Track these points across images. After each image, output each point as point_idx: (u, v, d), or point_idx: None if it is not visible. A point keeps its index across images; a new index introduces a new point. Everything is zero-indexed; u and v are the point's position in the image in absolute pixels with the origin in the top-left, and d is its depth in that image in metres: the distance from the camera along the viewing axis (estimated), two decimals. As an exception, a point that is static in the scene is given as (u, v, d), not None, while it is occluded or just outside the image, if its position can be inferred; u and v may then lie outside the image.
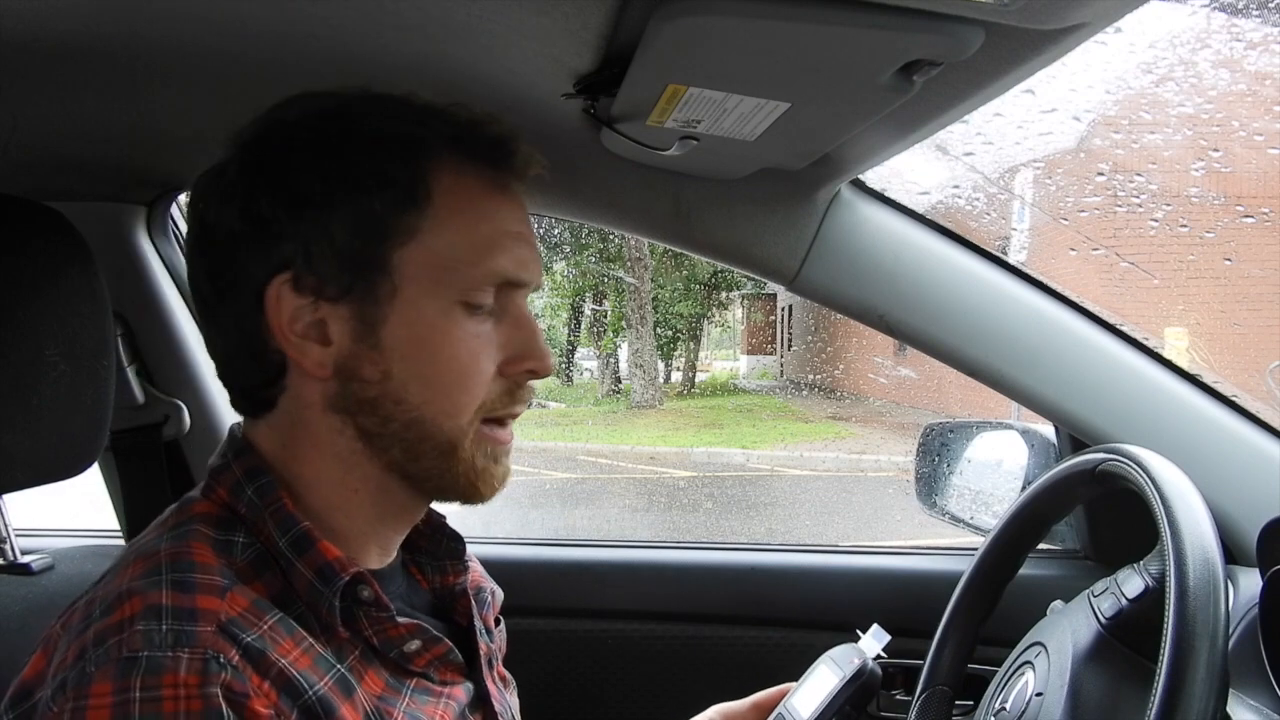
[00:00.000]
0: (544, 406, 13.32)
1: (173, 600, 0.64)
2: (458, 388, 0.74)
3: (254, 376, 0.76)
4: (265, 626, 0.66)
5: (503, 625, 0.94)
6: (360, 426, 0.74)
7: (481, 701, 0.83)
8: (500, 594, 0.95)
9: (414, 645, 0.76)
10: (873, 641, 1.07)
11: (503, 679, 0.91)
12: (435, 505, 0.85)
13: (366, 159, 0.73)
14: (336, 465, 0.75)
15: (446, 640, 0.79)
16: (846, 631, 1.11)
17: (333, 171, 0.72)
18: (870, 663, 1.04)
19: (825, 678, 1.04)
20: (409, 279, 0.73)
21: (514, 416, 0.80)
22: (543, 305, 13.49)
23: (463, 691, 0.81)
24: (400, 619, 0.75)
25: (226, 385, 0.80)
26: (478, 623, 0.86)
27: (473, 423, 0.75)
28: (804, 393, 13.53)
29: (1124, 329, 1.20)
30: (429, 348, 0.74)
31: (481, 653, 0.85)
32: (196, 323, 0.83)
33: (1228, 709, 0.74)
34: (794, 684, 1.08)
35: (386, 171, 0.73)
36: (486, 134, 0.77)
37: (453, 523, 0.89)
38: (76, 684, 0.60)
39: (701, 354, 16.09)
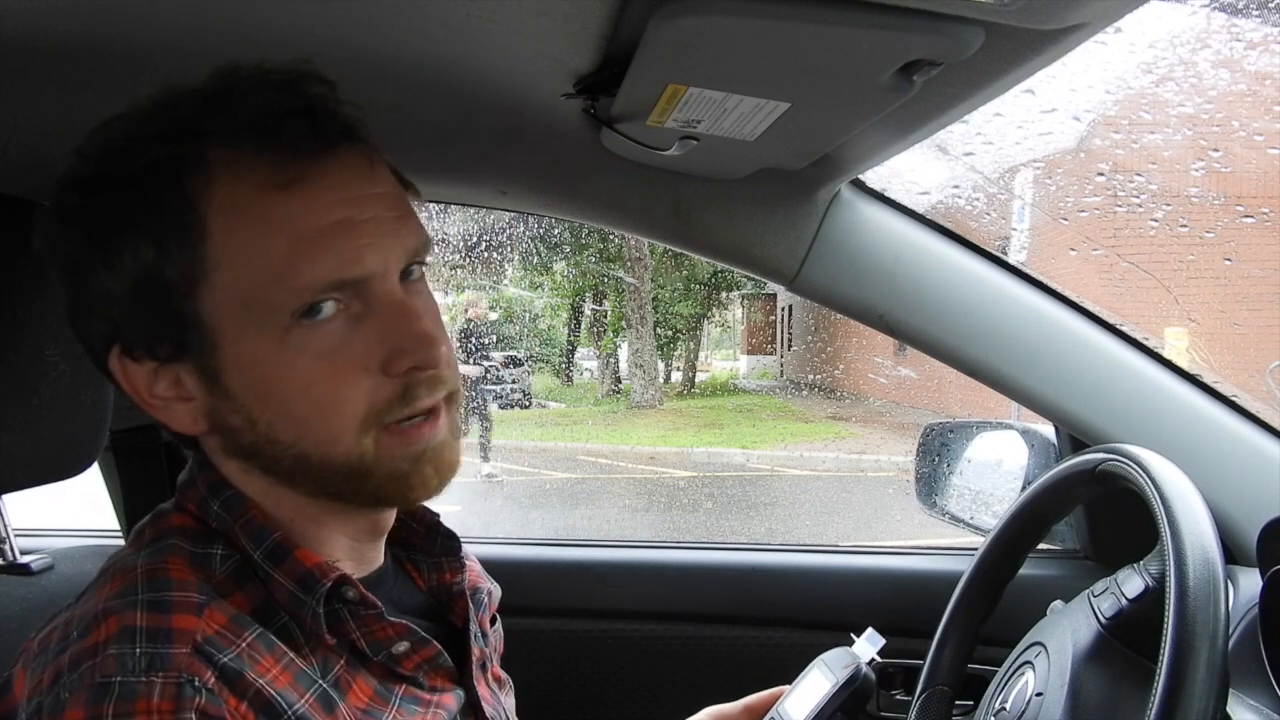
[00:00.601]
0: (544, 406, 13.33)
1: (148, 621, 0.63)
2: (320, 416, 0.67)
3: (169, 431, 0.73)
4: (244, 644, 0.65)
5: (499, 623, 0.93)
6: (260, 467, 0.71)
7: (473, 708, 0.81)
8: (498, 592, 0.93)
9: (402, 647, 0.74)
10: (867, 645, 1.06)
11: (498, 680, 0.90)
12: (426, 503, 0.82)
13: (121, 205, 0.65)
14: (270, 499, 0.72)
15: (435, 643, 0.77)
16: (846, 632, 1.11)
17: (94, 233, 0.66)
18: (864, 667, 1.04)
19: (818, 682, 1.04)
20: (221, 321, 0.66)
21: (423, 412, 0.70)
22: (543, 305, 13.50)
23: (453, 699, 0.79)
24: (389, 618, 0.73)
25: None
26: (473, 625, 0.85)
27: (365, 437, 0.68)
28: (804, 393, 13.53)
29: (1124, 329, 1.20)
30: (276, 385, 0.67)
31: (475, 657, 0.83)
32: None
33: (1228, 709, 0.74)
34: (787, 687, 1.07)
35: (138, 216, 0.64)
36: (265, 126, 0.64)
37: (451, 523, 0.88)
38: (52, 710, 0.60)
39: (701, 354, 16.09)
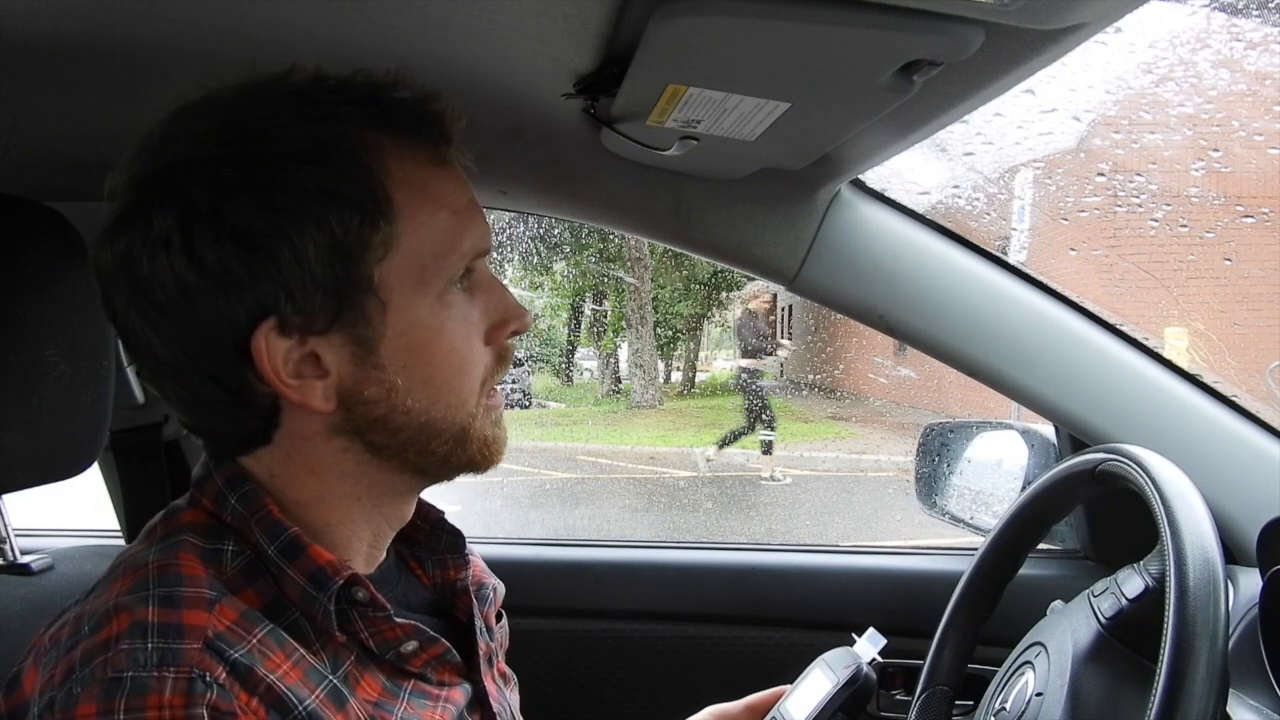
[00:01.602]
0: (544, 406, 13.33)
1: (159, 617, 0.63)
2: (460, 378, 0.73)
3: (242, 425, 0.72)
4: (254, 640, 0.65)
5: (505, 620, 0.94)
6: (368, 443, 0.73)
7: (480, 702, 0.82)
8: (502, 588, 0.94)
9: (410, 646, 0.75)
10: (868, 645, 1.07)
11: (503, 676, 0.90)
12: (429, 491, 0.83)
13: (310, 178, 0.67)
14: (340, 482, 0.74)
15: (443, 640, 0.78)
16: (847, 632, 1.11)
17: (279, 202, 0.66)
18: (865, 667, 1.04)
19: (819, 682, 1.04)
20: (395, 289, 0.70)
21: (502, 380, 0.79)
22: (543, 305, 13.49)
23: (460, 693, 0.80)
24: (397, 619, 0.74)
25: (204, 437, 0.75)
26: (478, 621, 0.86)
27: (479, 402, 0.75)
28: (804, 393, 13.52)
29: (1124, 329, 1.20)
30: (428, 350, 0.72)
31: (481, 651, 0.84)
32: (148, 384, 0.76)
33: (1228, 709, 0.74)
34: (788, 687, 1.08)
35: (338, 186, 0.68)
36: (417, 112, 0.72)
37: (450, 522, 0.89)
38: (64, 704, 0.60)
39: (701, 354, 16.09)
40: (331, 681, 0.68)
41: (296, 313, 0.67)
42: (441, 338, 0.72)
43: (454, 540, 0.87)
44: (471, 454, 0.75)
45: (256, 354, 0.67)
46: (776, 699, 1.07)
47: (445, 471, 0.76)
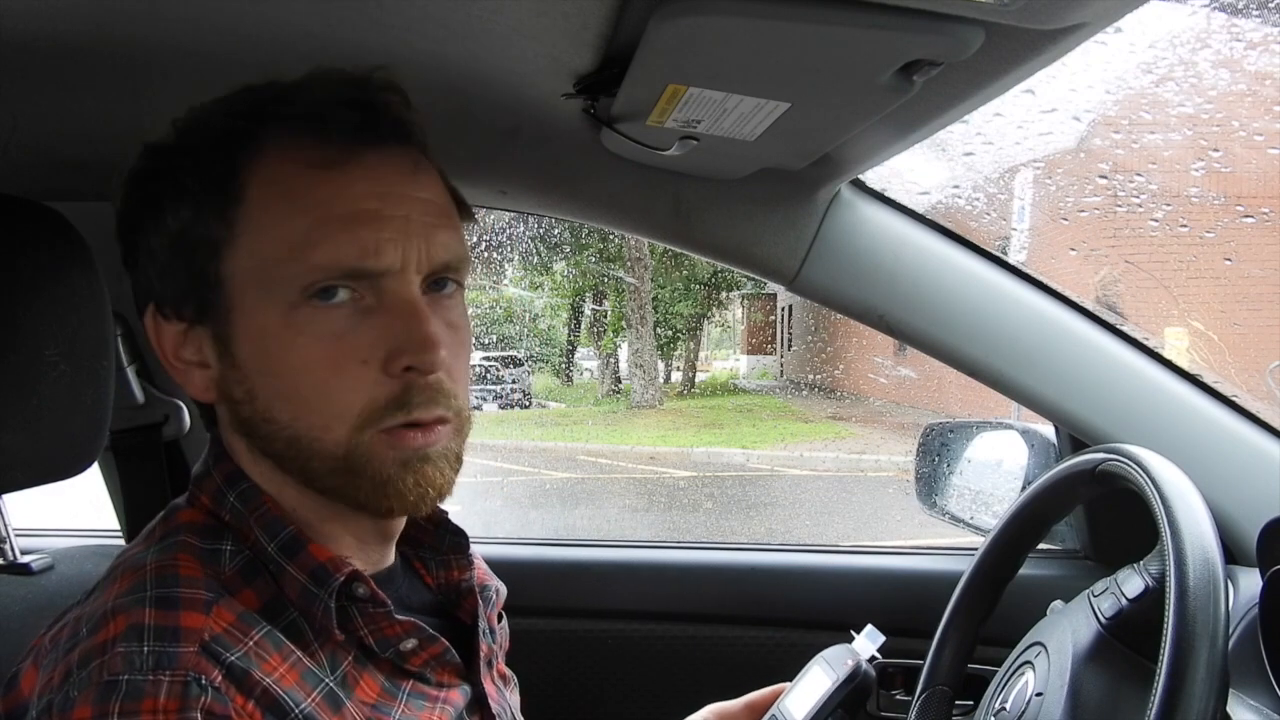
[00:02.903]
0: (544, 406, 13.32)
1: (155, 619, 0.63)
2: (316, 399, 0.68)
3: (197, 401, 0.76)
4: (251, 643, 0.65)
5: (505, 621, 0.94)
6: (259, 446, 0.72)
7: (479, 704, 0.82)
8: (504, 590, 0.94)
9: (410, 644, 0.74)
10: (867, 642, 1.07)
11: (503, 677, 0.90)
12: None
13: (178, 170, 0.70)
14: (274, 483, 0.73)
15: (443, 640, 0.77)
16: (847, 631, 1.11)
17: (148, 194, 0.72)
18: (864, 664, 1.04)
19: (819, 679, 1.04)
20: (239, 288, 0.68)
21: (426, 422, 0.69)
22: (543, 305, 13.49)
23: (459, 695, 0.79)
24: (397, 616, 0.73)
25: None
26: (482, 622, 0.85)
27: (358, 433, 0.68)
28: (804, 393, 13.52)
29: (1124, 329, 1.20)
30: (278, 359, 0.68)
31: (482, 653, 0.84)
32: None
33: (1228, 709, 0.74)
34: (788, 684, 1.08)
35: (188, 180, 0.69)
36: (317, 110, 0.68)
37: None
38: (61, 708, 0.60)
39: (701, 354, 16.09)
40: (328, 685, 0.68)
41: (167, 300, 0.72)
42: (292, 351, 0.68)
43: (458, 540, 0.87)
44: (359, 492, 0.70)
45: (148, 331, 0.73)
46: (776, 697, 1.07)
47: (347, 502, 0.71)
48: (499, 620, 0.92)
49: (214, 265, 0.69)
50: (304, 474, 0.71)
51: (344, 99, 0.69)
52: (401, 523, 0.80)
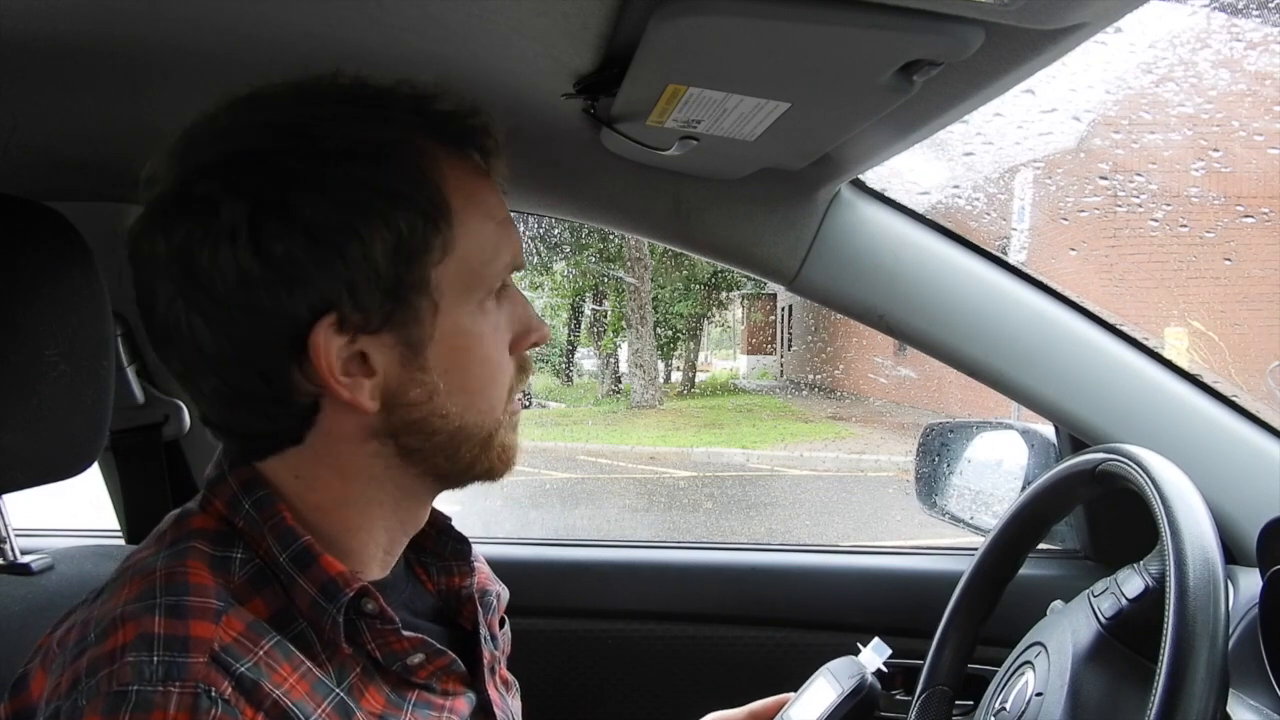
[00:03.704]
0: (544, 406, 13.32)
1: (165, 628, 0.63)
2: (492, 386, 0.75)
3: (278, 423, 0.71)
4: (261, 652, 0.65)
5: (507, 625, 0.93)
6: (401, 446, 0.73)
7: (484, 711, 0.82)
8: (506, 594, 0.94)
9: (417, 659, 0.74)
10: (873, 655, 1.06)
11: (505, 683, 0.90)
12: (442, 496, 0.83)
13: (375, 177, 0.68)
14: (366, 486, 0.73)
15: (450, 653, 0.77)
16: (847, 632, 1.11)
17: (347, 199, 0.67)
18: (870, 677, 1.03)
19: (824, 691, 1.03)
20: (445, 293, 0.71)
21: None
22: (543, 305, 13.49)
23: (464, 703, 0.79)
24: (405, 633, 0.73)
25: (232, 435, 0.73)
26: (483, 629, 0.85)
27: (505, 409, 0.76)
28: (804, 393, 13.53)
29: (1124, 329, 1.20)
30: (468, 356, 0.73)
31: (485, 660, 0.83)
32: (176, 376, 0.73)
33: (1228, 709, 0.74)
34: (792, 695, 1.07)
35: (402, 186, 0.69)
36: (469, 126, 0.74)
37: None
38: (69, 716, 0.60)
39: (701, 354, 16.09)
40: (338, 694, 0.68)
41: (356, 310, 0.67)
42: (480, 344, 0.74)
43: (460, 547, 0.87)
44: (492, 460, 0.76)
45: (314, 349, 0.67)
46: (779, 707, 1.06)
47: (466, 478, 0.77)
48: (501, 626, 0.91)
49: (427, 271, 0.70)
50: (447, 461, 0.74)
51: (466, 113, 0.74)
52: (425, 517, 0.82)
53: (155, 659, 0.61)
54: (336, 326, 0.67)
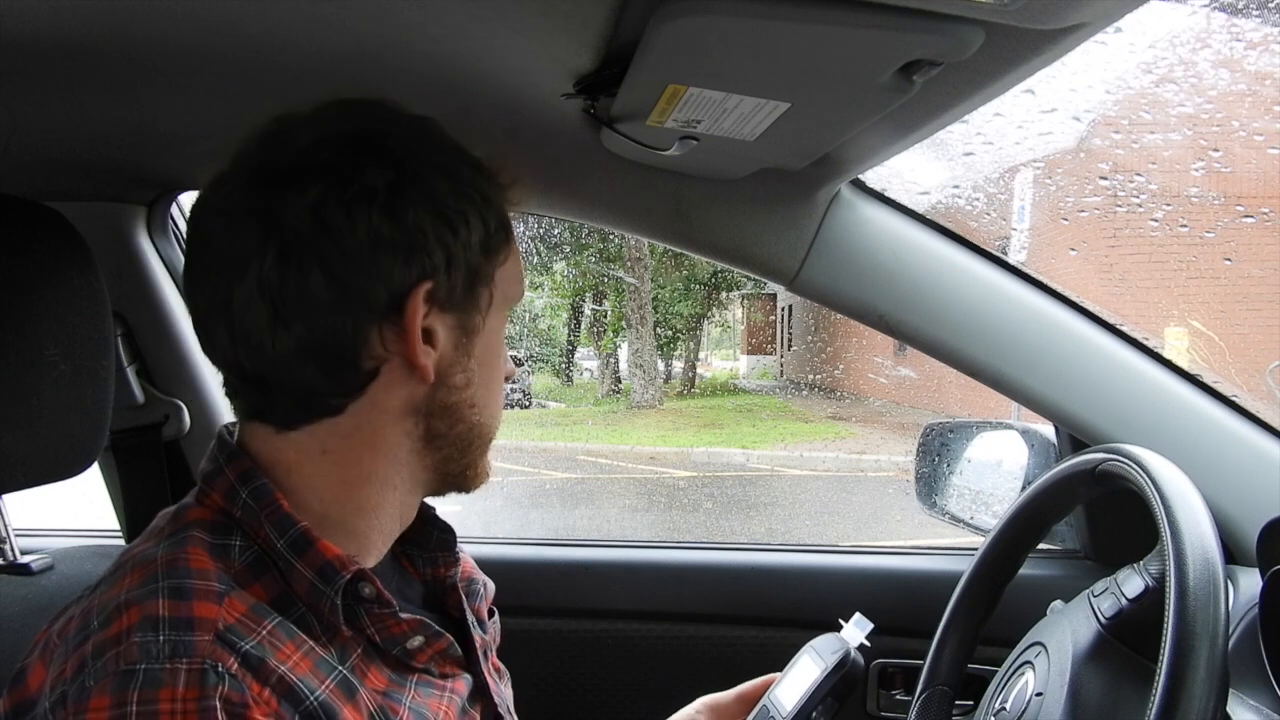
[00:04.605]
0: (544, 406, 13.32)
1: (169, 610, 0.64)
2: (500, 393, 0.82)
3: (339, 384, 0.73)
4: (264, 632, 0.66)
5: (497, 617, 0.95)
6: (430, 429, 0.77)
7: (480, 693, 0.84)
8: (492, 586, 0.95)
9: (416, 642, 0.76)
10: (855, 630, 1.07)
11: (497, 670, 0.92)
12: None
13: (473, 179, 0.77)
14: (390, 464, 0.76)
15: (447, 635, 0.79)
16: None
17: (463, 192, 0.75)
18: (853, 652, 1.04)
19: (808, 668, 1.05)
20: (496, 294, 0.79)
21: None
22: (543, 305, 13.49)
23: (463, 684, 0.82)
24: (403, 615, 0.75)
25: (283, 395, 0.73)
26: (470, 616, 0.87)
27: (499, 421, 0.83)
28: (804, 393, 13.53)
29: (1124, 329, 1.20)
30: (496, 356, 0.81)
31: (477, 644, 0.86)
32: (256, 326, 0.71)
33: (1228, 709, 0.74)
34: (778, 675, 1.08)
35: (491, 194, 0.78)
36: (503, 162, 0.82)
37: (451, 523, 0.89)
38: (76, 698, 0.61)
39: (701, 354, 16.09)
40: (341, 672, 0.69)
41: (446, 285, 0.74)
42: (501, 350, 0.82)
43: (445, 537, 0.88)
44: (480, 468, 0.82)
45: (411, 312, 0.72)
46: (766, 687, 1.08)
47: (459, 482, 0.82)
48: (490, 615, 0.93)
49: (495, 268, 0.78)
50: (456, 453, 0.79)
51: (507, 163, 0.82)
52: (412, 519, 0.83)
53: (161, 638, 0.62)
54: (429, 296, 0.73)
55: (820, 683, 1.02)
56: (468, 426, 0.78)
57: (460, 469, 0.80)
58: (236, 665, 0.62)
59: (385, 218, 0.71)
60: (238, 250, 0.70)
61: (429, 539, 0.88)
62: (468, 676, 0.83)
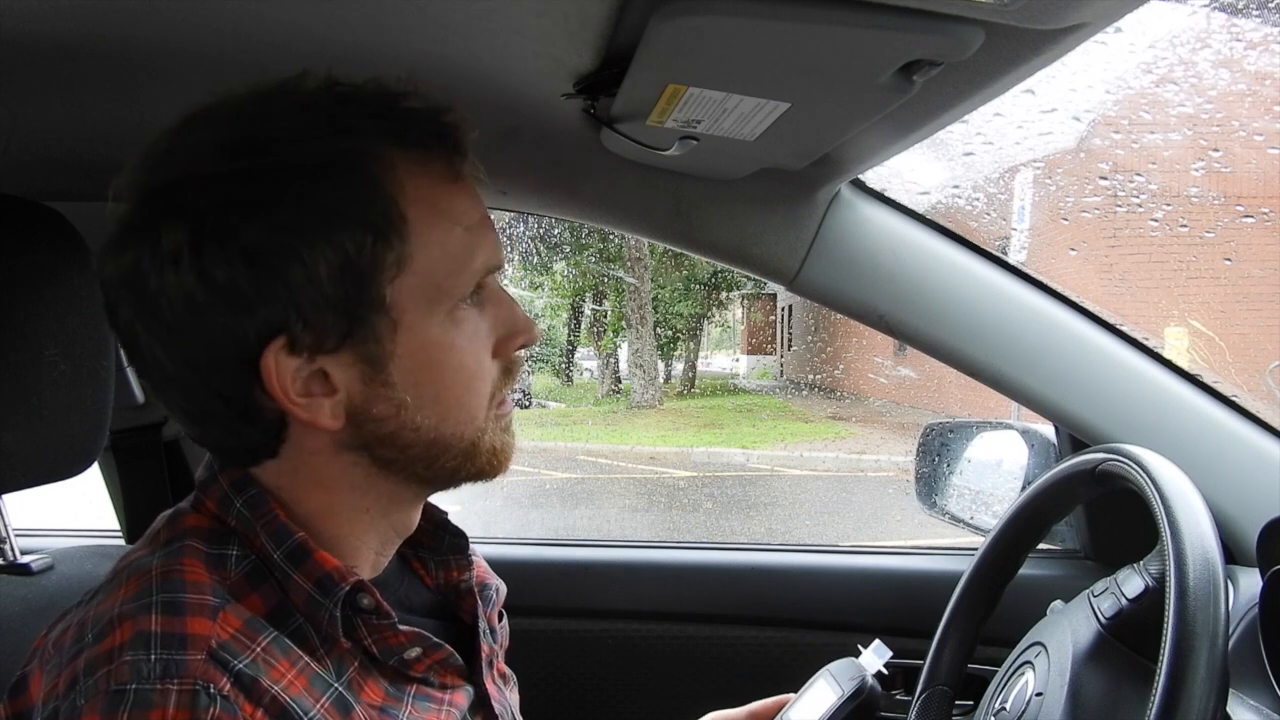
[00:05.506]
0: (544, 406, 13.32)
1: (162, 626, 0.63)
2: (469, 394, 0.73)
3: (248, 440, 0.71)
4: (259, 649, 0.65)
5: (505, 620, 0.94)
6: (377, 457, 0.72)
7: (482, 704, 0.82)
8: (504, 589, 0.94)
9: (414, 653, 0.75)
10: (873, 657, 1.05)
11: (503, 676, 0.90)
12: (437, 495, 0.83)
13: (322, 195, 0.66)
14: (349, 494, 0.74)
15: (446, 645, 0.77)
16: (847, 632, 1.11)
17: (290, 220, 0.65)
18: (870, 679, 1.03)
19: (824, 693, 1.03)
20: (406, 308, 0.69)
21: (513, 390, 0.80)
22: (543, 305, 13.49)
23: (464, 696, 0.80)
24: (401, 627, 0.73)
25: (208, 448, 0.74)
26: (482, 623, 0.85)
27: (485, 418, 0.75)
28: (804, 393, 13.53)
29: (1124, 329, 1.20)
30: (438, 368, 0.71)
31: (483, 654, 0.84)
32: (151, 393, 0.73)
33: (1228, 709, 0.74)
34: (792, 695, 1.07)
35: (350, 204, 0.67)
36: (431, 125, 0.71)
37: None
38: (68, 716, 0.60)
39: (701, 354, 16.09)
40: (336, 689, 0.68)
41: (307, 331, 0.66)
42: (451, 355, 0.72)
43: (457, 541, 0.87)
44: (480, 465, 0.75)
45: (265, 372, 0.66)
46: (779, 707, 1.06)
47: (453, 482, 0.76)
48: (500, 619, 0.92)
49: (381, 289, 0.68)
50: (425, 470, 0.73)
51: (436, 114, 0.71)
52: (417, 519, 0.81)
53: (153, 657, 0.61)
54: (288, 348, 0.66)
55: (836, 709, 1.00)
56: (422, 447, 0.72)
57: (445, 474, 0.75)
58: (229, 686, 0.61)
59: (196, 281, 0.64)
60: (107, 310, 0.70)
61: (441, 543, 0.87)
62: (469, 688, 0.81)
